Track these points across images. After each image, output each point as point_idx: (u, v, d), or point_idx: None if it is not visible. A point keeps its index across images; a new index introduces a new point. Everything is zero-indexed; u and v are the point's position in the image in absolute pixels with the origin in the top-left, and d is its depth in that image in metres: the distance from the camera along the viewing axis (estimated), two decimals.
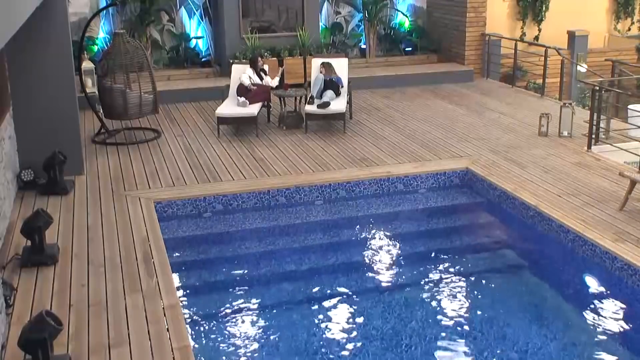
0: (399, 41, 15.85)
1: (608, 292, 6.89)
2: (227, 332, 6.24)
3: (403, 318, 6.39)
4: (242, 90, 11.07)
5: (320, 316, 6.53)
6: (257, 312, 6.62)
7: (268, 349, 6.01)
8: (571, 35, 15.55)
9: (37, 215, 6.57)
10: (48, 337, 4.67)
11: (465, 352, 5.93)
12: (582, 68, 14.81)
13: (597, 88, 10.08)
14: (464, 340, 6.08)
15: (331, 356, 5.87)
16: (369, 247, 8.13)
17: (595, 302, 6.83)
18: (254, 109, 10.85)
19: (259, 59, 11.65)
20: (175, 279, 6.69)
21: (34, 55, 8.45)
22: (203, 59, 14.68)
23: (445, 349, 5.98)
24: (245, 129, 11.08)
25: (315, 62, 11.79)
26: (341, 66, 11.74)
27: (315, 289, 7.03)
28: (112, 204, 8.15)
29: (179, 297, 6.14)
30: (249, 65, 11.52)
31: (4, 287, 5.66)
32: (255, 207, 8.66)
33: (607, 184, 8.61)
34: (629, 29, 17.35)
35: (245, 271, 7.47)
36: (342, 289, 7.03)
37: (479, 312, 6.55)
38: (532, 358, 5.77)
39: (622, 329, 6.33)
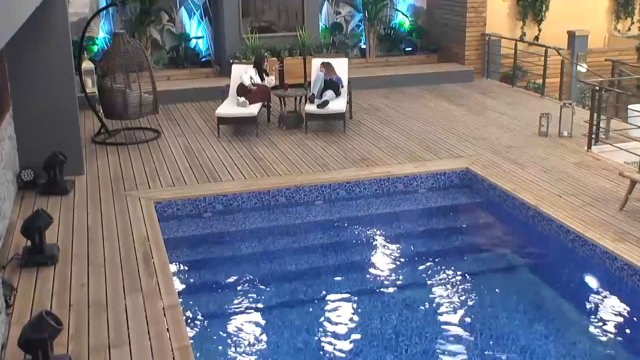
0: (399, 41, 15.85)
1: (608, 292, 6.89)
2: (227, 332, 6.24)
3: (403, 318, 6.39)
4: (242, 90, 11.06)
5: (321, 316, 6.53)
6: (257, 312, 6.62)
7: (268, 348, 6.01)
8: (571, 35, 15.55)
9: (37, 215, 6.57)
10: (48, 337, 4.67)
11: (465, 352, 5.92)
12: (582, 68, 14.80)
13: (597, 88, 10.08)
14: (464, 340, 6.07)
15: (331, 356, 5.87)
16: (369, 247, 8.13)
17: (595, 302, 6.84)
18: (254, 109, 10.85)
19: (264, 60, 11.63)
20: (175, 279, 6.69)
21: (34, 55, 8.45)
22: (203, 59, 14.68)
23: (445, 348, 5.98)
24: (245, 129, 11.08)
25: (315, 62, 11.79)
26: (341, 66, 11.74)
27: (316, 289, 7.03)
28: (112, 204, 8.15)
29: (179, 297, 6.13)
30: (252, 65, 11.51)
31: (4, 287, 5.66)
32: (255, 207, 8.66)
33: (607, 184, 8.61)
34: (629, 29, 17.35)
35: (245, 271, 7.46)
36: (342, 289, 7.03)
37: (479, 312, 6.55)
38: (532, 358, 5.77)
39: (622, 329, 6.34)
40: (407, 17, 15.98)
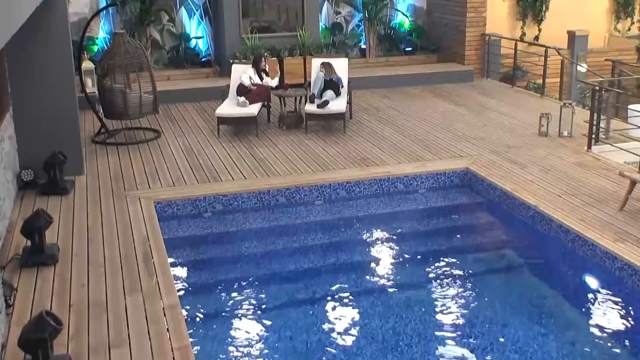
0: (399, 41, 15.85)
1: (608, 292, 6.88)
2: (227, 332, 6.24)
3: (403, 318, 6.39)
4: (242, 90, 11.06)
5: (321, 316, 6.53)
6: (257, 312, 6.62)
7: (268, 349, 6.01)
8: (571, 35, 15.56)
9: (37, 215, 6.57)
10: (48, 337, 4.67)
11: (465, 352, 5.92)
12: (582, 68, 14.81)
13: (597, 88, 10.08)
14: (464, 340, 6.07)
15: (331, 356, 5.87)
16: (369, 247, 8.13)
17: (595, 302, 6.83)
18: (254, 109, 10.85)
19: (262, 59, 11.65)
20: (176, 279, 6.69)
21: (34, 55, 8.45)
22: (203, 59, 14.67)
23: (445, 349, 5.98)
24: (245, 129, 11.08)
25: (315, 62, 11.79)
26: (341, 66, 11.74)
27: (316, 289, 7.03)
28: (112, 204, 8.15)
29: (179, 297, 6.13)
30: (250, 65, 11.52)
31: (4, 287, 5.66)
32: (255, 207, 8.66)
33: (607, 184, 8.61)
34: (629, 29, 17.35)
35: (245, 271, 7.46)
36: (342, 289, 7.02)
37: (479, 312, 6.55)
38: (532, 358, 5.77)
39: (621, 329, 6.33)
40: (407, 17, 15.98)
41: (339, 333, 6.20)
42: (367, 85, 14.04)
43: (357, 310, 6.66)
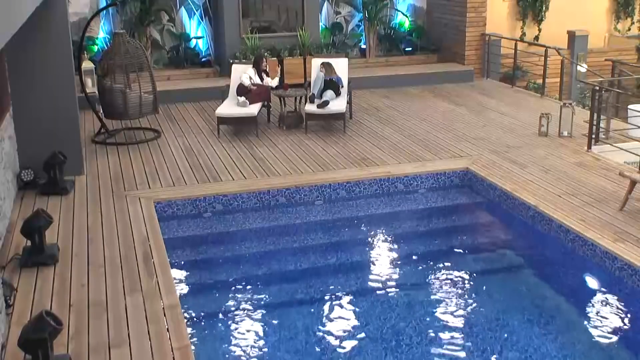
0: (399, 41, 15.86)
1: (608, 292, 6.89)
2: (227, 332, 6.24)
3: (403, 318, 6.39)
4: (242, 90, 11.06)
5: (321, 316, 6.53)
6: (257, 312, 6.61)
7: (268, 349, 6.01)
8: (571, 35, 15.56)
9: (37, 215, 6.57)
10: (48, 337, 4.67)
11: (465, 352, 5.93)
12: (582, 68, 14.81)
13: (597, 88, 10.08)
14: (463, 340, 6.07)
15: (331, 356, 5.87)
16: (369, 247, 8.13)
17: (595, 302, 6.84)
18: (254, 109, 10.85)
19: (263, 60, 11.64)
20: (175, 279, 6.69)
21: (34, 55, 8.45)
22: (203, 59, 14.68)
23: (445, 349, 5.98)
24: (245, 129, 11.08)
25: (315, 62, 11.79)
26: (341, 66, 11.74)
27: (316, 289, 7.03)
28: (112, 204, 8.15)
29: (179, 297, 6.13)
30: (251, 65, 11.52)
31: (4, 287, 5.66)
32: (255, 207, 8.66)
33: (607, 184, 8.61)
34: (629, 29, 17.36)
35: (245, 271, 7.46)
36: (342, 289, 7.02)
37: (479, 312, 6.55)
38: (532, 358, 5.77)
39: (621, 329, 6.33)
40: (407, 17, 15.98)
41: (339, 333, 6.20)
42: (367, 85, 14.04)
43: (357, 309, 6.65)
